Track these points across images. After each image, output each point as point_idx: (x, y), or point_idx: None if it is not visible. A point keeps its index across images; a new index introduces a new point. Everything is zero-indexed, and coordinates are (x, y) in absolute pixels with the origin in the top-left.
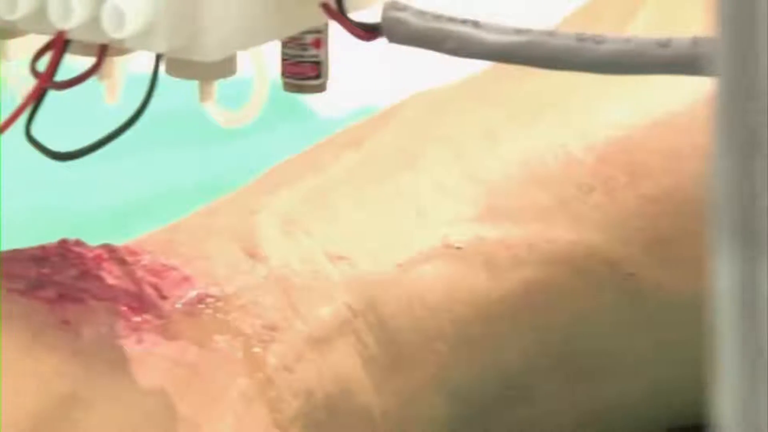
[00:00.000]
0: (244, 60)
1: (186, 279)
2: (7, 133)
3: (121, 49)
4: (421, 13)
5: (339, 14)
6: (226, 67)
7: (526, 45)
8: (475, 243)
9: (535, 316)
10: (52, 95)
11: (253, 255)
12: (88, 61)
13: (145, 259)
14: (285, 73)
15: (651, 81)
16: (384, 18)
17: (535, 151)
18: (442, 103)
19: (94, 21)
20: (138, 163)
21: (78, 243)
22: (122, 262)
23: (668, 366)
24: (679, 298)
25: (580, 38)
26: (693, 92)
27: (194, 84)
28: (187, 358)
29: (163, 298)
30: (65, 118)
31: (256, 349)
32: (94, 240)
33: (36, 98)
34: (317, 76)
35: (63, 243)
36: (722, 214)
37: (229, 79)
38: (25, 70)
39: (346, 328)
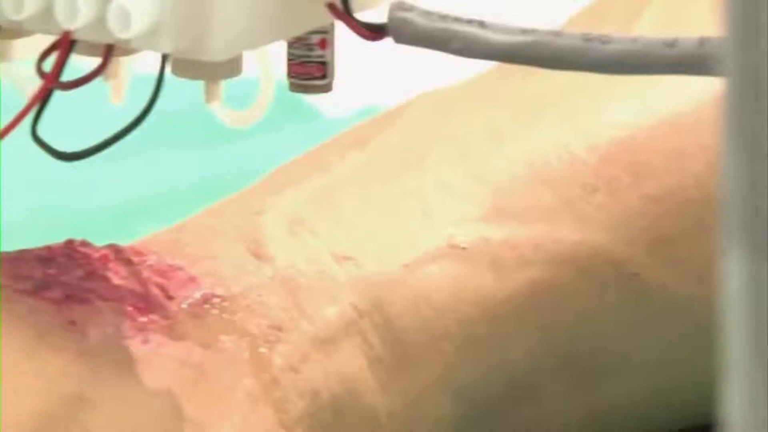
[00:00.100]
0: (248, 60)
1: (192, 279)
2: (12, 133)
3: (127, 50)
4: (428, 14)
5: (345, 14)
6: (232, 67)
7: (532, 45)
8: (481, 243)
9: (541, 316)
10: (56, 95)
11: (258, 255)
12: (93, 62)
13: (151, 260)
14: (291, 74)
15: (655, 81)
16: (390, 18)
17: (539, 151)
18: (447, 103)
19: (100, 21)
20: (143, 163)
21: (84, 243)
22: (128, 262)
23: (673, 366)
24: (684, 298)
25: (587, 38)
26: (697, 92)
27: (198, 84)
28: (193, 359)
29: (169, 298)
30: (68, 118)
31: (262, 350)
32: (99, 240)
33: (42, 98)
34: (323, 77)
35: (69, 243)
36: (731, 215)
37: (235, 80)
38: (31, 71)
39: (352, 328)
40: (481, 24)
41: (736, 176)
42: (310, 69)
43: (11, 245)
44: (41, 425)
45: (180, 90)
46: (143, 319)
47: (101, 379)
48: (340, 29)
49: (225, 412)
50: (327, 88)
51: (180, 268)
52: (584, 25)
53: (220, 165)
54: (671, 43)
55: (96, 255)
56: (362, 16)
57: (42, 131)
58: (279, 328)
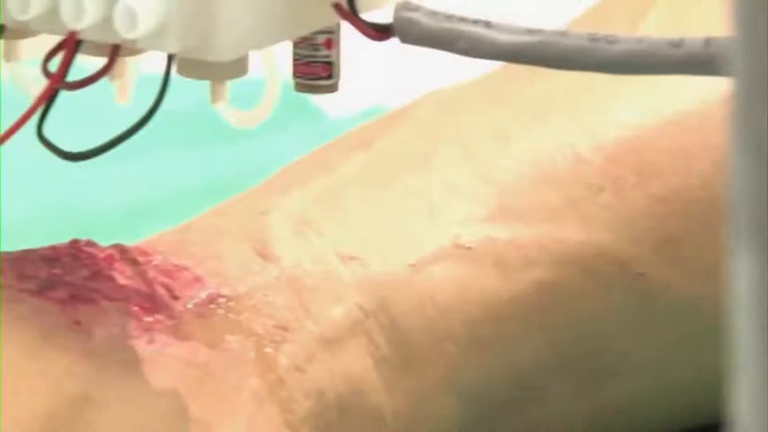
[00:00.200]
0: (254, 60)
1: (197, 279)
2: (18, 133)
3: (133, 50)
4: (433, 14)
5: (351, 14)
6: (238, 67)
7: (539, 45)
8: (486, 243)
9: (546, 317)
10: (61, 95)
11: (264, 255)
12: (98, 61)
13: (157, 260)
14: (296, 74)
15: (661, 81)
16: (396, 18)
17: (545, 151)
18: (453, 103)
19: (107, 21)
20: (148, 163)
21: (89, 243)
22: (134, 262)
23: (679, 366)
24: (689, 298)
25: (593, 38)
26: (703, 92)
27: (203, 84)
28: (198, 359)
29: (175, 298)
30: (73, 118)
31: (268, 350)
32: (104, 240)
33: (47, 98)
34: (329, 77)
35: (74, 243)
36: (739, 215)
37: (240, 79)
38: (36, 71)
39: (357, 328)
40: (487, 24)
41: (744, 176)
42: (315, 69)
43: (16, 245)
44: (46, 425)
45: (183, 90)
46: (149, 319)
47: (107, 379)
48: (345, 29)
49: (231, 412)
50: (333, 89)
51: (185, 268)
52: (589, 26)
53: (225, 165)
54: (677, 44)
55: (101, 255)
56: (368, 16)
57: (47, 131)
58: (284, 328)
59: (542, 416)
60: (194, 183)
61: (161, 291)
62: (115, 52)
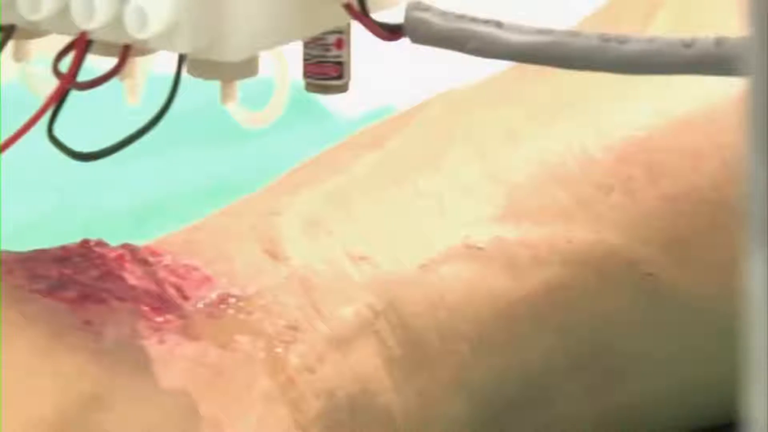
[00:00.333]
0: (264, 60)
1: (207, 279)
2: (28, 132)
3: (144, 50)
4: (444, 14)
5: (362, 14)
6: (248, 67)
7: (550, 45)
8: (496, 243)
9: (556, 317)
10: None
11: (274, 255)
12: (105, 61)
13: (167, 260)
14: (307, 74)
15: (671, 81)
16: (407, 18)
17: (555, 151)
18: (463, 103)
19: (117, 21)
20: (156, 162)
21: (100, 243)
22: (144, 262)
23: (689, 366)
24: (698, 299)
25: (604, 38)
26: (713, 92)
27: (212, 83)
28: (208, 359)
29: (185, 298)
30: (81, 118)
31: (278, 350)
32: (113, 240)
33: (58, 98)
34: (339, 77)
35: (85, 243)
36: (753, 216)
37: (250, 79)
38: (46, 70)
39: (367, 328)
40: (498, 24)
41: (758, 176)
42: (326, 69)
43: (26, 245)
44: (56, 425)
45: (191, 89)
46: (159, 319)
47: (117, 379)
48: (355, 29)
49: (241, 412)
50: (343, 89)
51: (195, 268)
52: (598, 26)
53: (233, 165)
54: (688, 43)
55: (112, 255)
56: (378, 16)
57: (57, 131)
58: (295, 328)
59: (552, 416)
60: (203, 183)
61: (171, 291)
62: (126, 52)
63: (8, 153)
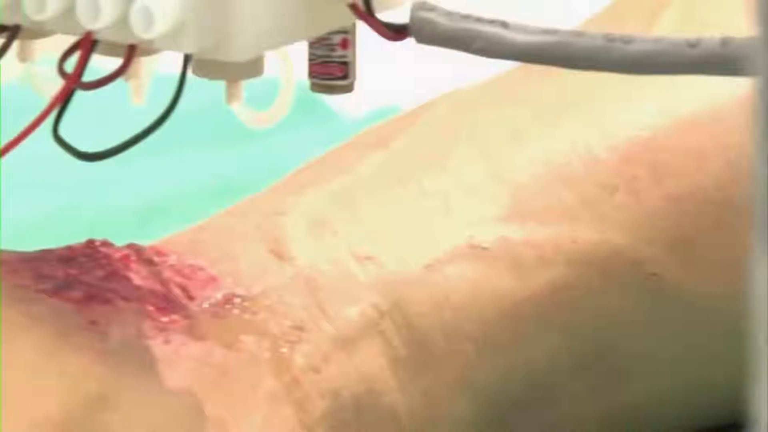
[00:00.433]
0: (268, 60)
1: (213, 279)
2: (34, 132)
3: (149, 50)
4: (449, 14)
5: (367, 14)
6: (253, 67)
7: (555, 45)
8: (501, 243)
9: (561, 317)
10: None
11: (279, 255)
12: (110, 61)
13: (172, 260)
14: (312, 74)
15: (675, 81)
16: (412, 18)
17: (560, 151)
18: (468, 103)
19: (123, 21)
20: (161, 162)
21: (105, 243)
22: (149, 262)
23: (693, 366)
24: (702, 299)
25: (609, 38)
26: (718, 92)
27: (217, 83)
28: (214, 359)
29: (190, 298)
30: (85, 118)
31: (283, 350)
32: (120, 240)
33: (63, 99)
34: (345, 77)
35: (90, 243)
36: (760, 218)
37: (255, 79)
38: (50, 71)
39: (372, 328)
40: (504, 24)
41: (765, 177)
42: (331, 69)
43: (32, 245)
44: (62, 425)
45: (199, 89)
46: (164, 319)
47: (122, 379)
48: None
49: (246, 412)
50: (349, 89)
51: (201, 268)
52: (603, 26)
53: (237, 165)
54: (694, 43)
55: (117, 255)
56: (384, 16)
57: (62, 131)
58: (300, 328)
59: (557, 416)
60: (208, 183)
61: (177, 291)
62: (131, 52)
63: (13, 153)
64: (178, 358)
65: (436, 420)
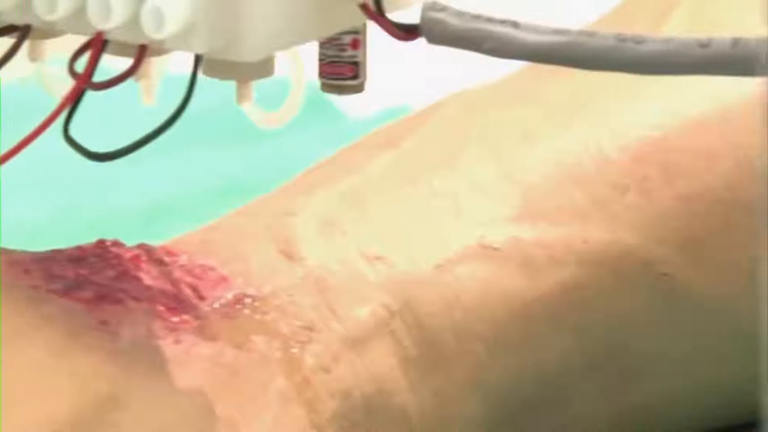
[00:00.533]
0: (278, 60)
1: (223, 279)
2: (44, 133)
3: (160, 50)
4: (460, 14)
5: (378, 14)
6: (264, 68)
7: (567, 45)
8: (512, 243)
9: (572, 317)
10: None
11: (290, 256)
12: (120, 61)
13: (183, 260)
14: (322, 74)
15: (686, 81)
16: (423, 18)
17: (571, 151)
18: (479, 103)
19: (134, 21)
20: (170, 162)
21: (115, 243)
22: (160, 262)
23: (704, 366)
24: (713, 299)
25: (620, 38)
26: (728, 92)
27: (227, 83)
28: (224, 359)
29: (201, 298)
30: (95, 117)
31: (294, 350)
32: (130, 240)
33: (74, 99)
34: (355, 77)
35: (101, 243)
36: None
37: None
38: (61, 70)
39: (383, 328)
40: (515, 24)
41: None
42: (342, 69)
43: (42, 245)
44: (73, 425)
45: (209, 89)
46: (175, 319)
47: (133, 379)
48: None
49: (256, 412)
50: (359, 89)
51: (211, 269)
52: (613, 25)
53: (247, 165)
54: (705, 44)
55: (127, 255)
56: (395, 16)
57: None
58: (310, 328)
59: (568, 417)
60: (217, 183)
61: (187, 291)
62: (142, 52)
63: (21, 153)
64: (189, 358)
65: (446, 420)
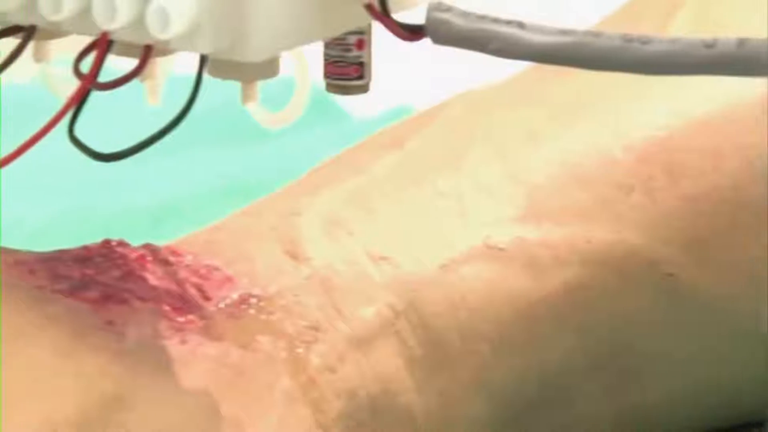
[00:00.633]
0: (283, 60)
1: (229, 279)
2: (49, 133)
3: (165, 50)
4: (466, 14)
5: (383, 15)
6: (269, 68)
7: (572, 45)
8: (517, 244)
9: (577, 317)
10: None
11: (295, 256)
12: (125, 62)
13: (188, 260)
14: (327, 74)
15: (691, 81)
16: (428, 19)
17: (576, 151)
18: (484, 103)
19: (139, 22)
20: (175, 162)
21: (121, 243)
22: (165, 262)
23: (708, 366)
24: (718, 299)
25: (626, 39)
26: (733, 92)
27: (230, 83)
28: (230, 359)
29: (206, 298)
30: (99, 118)
31: (299, 350)
32: (135, 240)
33: (79, 99)
34: (360, 77)
35: (106, 243)
36: None
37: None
38: (68, 71)
39: (388, 328)
40: (521, 25)
41: None
42: (347, 70)
43: (47, 245)
44: (79, 425)
45: (214, 90)
46: (180, 319)
47: (139, 379)
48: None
49: (262, 411)
50: (364, 89)
51: (217, 269)
52: (618, 26)
53: (252, 165)
54: (710, 44)
55: (133, 255)
56: (399, 16)
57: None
58: (316, 329)
59: (572, 416)
60: (222, 183)
61: (193, 291)
62: (147, 52)
63: (26, 153)
64: (195, 358)
65: (451, 420)
